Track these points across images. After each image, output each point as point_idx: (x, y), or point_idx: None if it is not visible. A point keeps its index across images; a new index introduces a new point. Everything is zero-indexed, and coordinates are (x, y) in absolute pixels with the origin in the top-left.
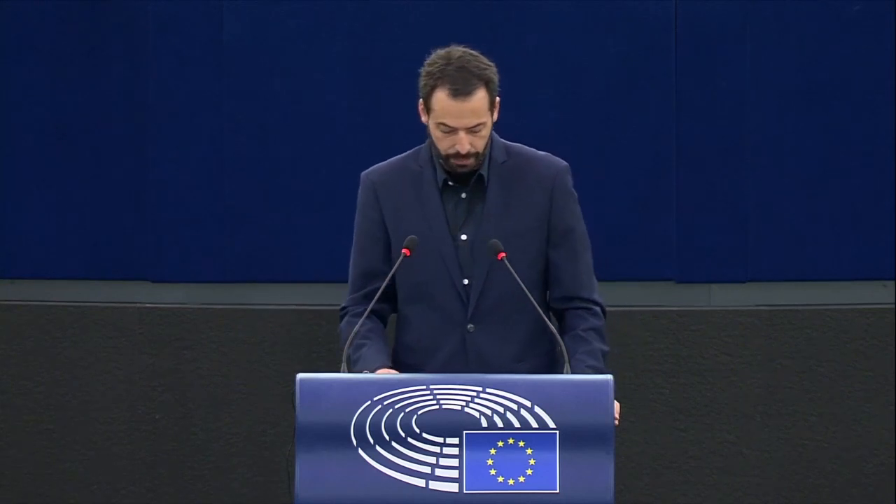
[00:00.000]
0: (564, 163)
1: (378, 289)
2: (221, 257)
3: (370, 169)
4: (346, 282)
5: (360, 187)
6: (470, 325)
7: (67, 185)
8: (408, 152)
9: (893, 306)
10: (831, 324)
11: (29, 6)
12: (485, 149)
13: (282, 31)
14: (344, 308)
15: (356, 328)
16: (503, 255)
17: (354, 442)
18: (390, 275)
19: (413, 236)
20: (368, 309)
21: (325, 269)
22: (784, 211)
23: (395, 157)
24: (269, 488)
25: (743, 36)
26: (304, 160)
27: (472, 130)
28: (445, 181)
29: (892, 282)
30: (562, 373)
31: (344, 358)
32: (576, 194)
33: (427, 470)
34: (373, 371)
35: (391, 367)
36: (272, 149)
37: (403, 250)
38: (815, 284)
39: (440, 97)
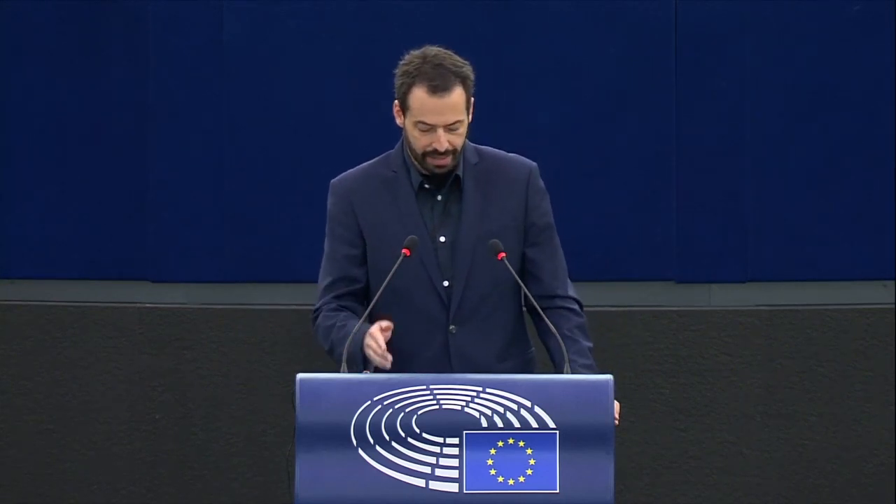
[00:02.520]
0: (533, 163)
1: (354, 291)
2: (221, 257)
3: (340, 177)
4: None
5: (332, 195)
6: (452, 327)
7: (67, 185)
8: (376, 159)
9: (893, 306)
10: (831, 324)
11: (29, 6)
12: (462, 148)
13: (282, 31)
14: (316, 310)
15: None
16: (503, 255)
17: (354, 442)
18: (390, 275)
19: (413, 236)
20: (368, 310)
21: None
22: (784, 211)
23: (363, 165)
24: (269, 488)
25: (743, 36)
26: (304, 160)
27: (450, 128)
28: (421, 184)
29: (892, 282)
30: (540, 373)
31: (322, 342)
32: (547, 193)
33: (427, 470)
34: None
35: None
36: (272, 149)
37: (404, 250)
38: (815, 284)
39: (418, 95)
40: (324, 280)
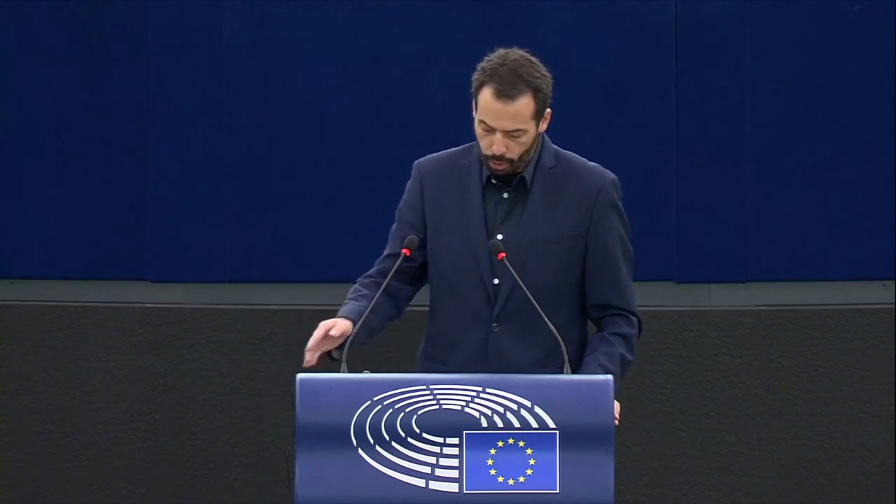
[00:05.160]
0: (613, 175)
1: (406, 269)
2: (221, 257)
3: (423, 158)
4: (346, 282)
5: (412, 175)
6: (494, 325)
7: (67, 185)
8: (463, 146)
9: (893, 306)
10: (831, 324)
11: (29, 6)
12: (524, 156)
13: (282, 31)
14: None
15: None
16: (503, 255)
17: (354, 442)
18: (390, 275)
19: (413, 236)
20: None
21: (325, 269)
22: (784, 211)
23: (449, 150)
24: (269, 488)
25: (743, 36)
26: (303, 160)
27: (510, 134)
28: (489, 179)
29: (892, 282)
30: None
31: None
32: (621, 207)
33: (427, 470)
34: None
35: (350, 319)
36: (272, 149)
37: (403, 250)
38: (815, 284)
39: (485, 95)
40: (383, 253)
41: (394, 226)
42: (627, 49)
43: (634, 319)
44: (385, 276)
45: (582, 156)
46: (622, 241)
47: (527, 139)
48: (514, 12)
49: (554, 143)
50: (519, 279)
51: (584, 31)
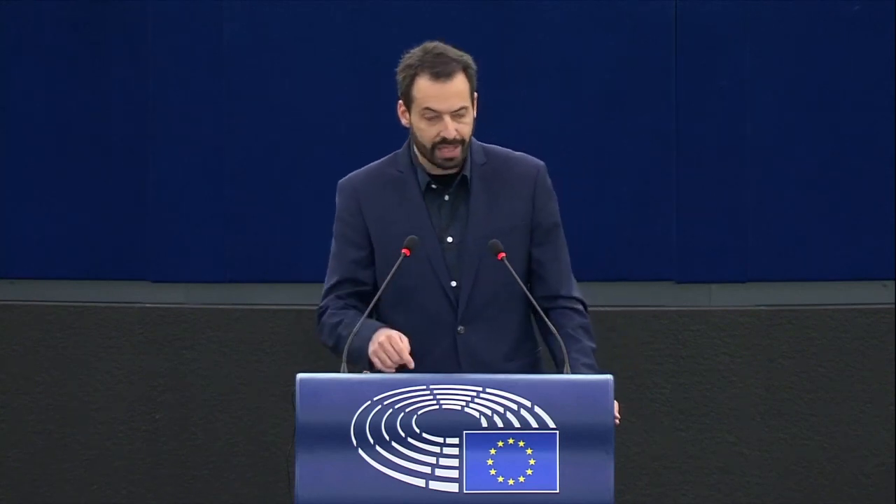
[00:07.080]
0: (541, 162)
1: (360, 292)
2: (221, 257)
3: (348, 176)
4: None
5: (339, 195)
6: (460, 327)
7: (67, 185)
8: (383, 159)
9: (893, 306)
10: (831, 324)
11: (29, 6)
12: (468, 140)
13: (282, 31)
14: (322, 308)
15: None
16: (503, 255)
17: (354, 442)
18: (390, 275)
19: (413, 236)
20: (369, 309)
21: (325, 269)
22: (784, 211)
23: (371, 164)
24: (269, 488)
25: (743, 36)
26: (303, 160)
27: (456, 115)
28: (428, 184)
29: (892, 282)
30: (545, 372)
31: (327, 338)
32: (554, 193)
33: (427, 470)
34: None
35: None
36: (272, 149)
37: (403, 250)
38: (815, 284)
39: (422, 84)
40: (330, 280)
41: (333, 248)
42: (627, 49)
43: (581, 307)
44: (355, 302)
45: (583, 156)
46: (561, 228)
47: (469, 119)
48: (514, 12)
49: (555, 142)
50: (518, 277)
51: (584, 31)
